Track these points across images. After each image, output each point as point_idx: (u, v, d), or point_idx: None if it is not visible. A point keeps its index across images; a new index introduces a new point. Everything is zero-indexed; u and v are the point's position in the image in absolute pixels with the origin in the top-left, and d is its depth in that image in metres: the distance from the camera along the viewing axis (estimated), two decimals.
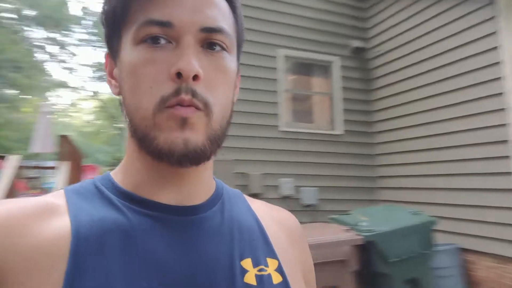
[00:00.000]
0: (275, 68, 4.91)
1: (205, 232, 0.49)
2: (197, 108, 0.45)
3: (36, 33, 19.85)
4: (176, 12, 0.45)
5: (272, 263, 0.51)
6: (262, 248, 0.52)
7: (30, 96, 18.84)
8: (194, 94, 0.44)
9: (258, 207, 0.60)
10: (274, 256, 0.52)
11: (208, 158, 0.48)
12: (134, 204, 0.48)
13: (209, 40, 0.47)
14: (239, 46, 0.54)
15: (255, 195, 4.24)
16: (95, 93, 22.77)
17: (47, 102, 8.69)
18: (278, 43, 4.96)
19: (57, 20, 19.23)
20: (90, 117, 23.59)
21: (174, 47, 0.45)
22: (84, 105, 23.47)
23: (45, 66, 20.77)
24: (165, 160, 0.45)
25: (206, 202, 0.52)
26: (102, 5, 0.51)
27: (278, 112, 4.83)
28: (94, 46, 21.36)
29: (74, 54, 25.49)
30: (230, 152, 4.37)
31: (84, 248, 0.42)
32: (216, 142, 0.47)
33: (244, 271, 0.48)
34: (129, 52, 0.47)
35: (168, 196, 0.49)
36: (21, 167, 4.72)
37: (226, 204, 0.55)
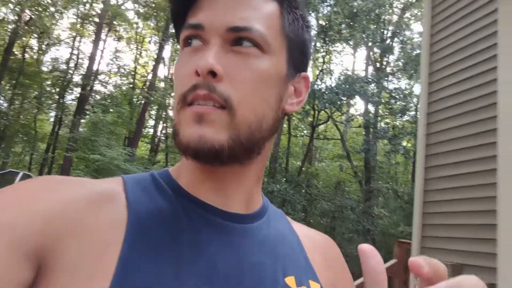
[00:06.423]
0: None
1: (254, 242, 0.49)
2: (217, 104, 0.44)
3: None
4: (207, 15, 0.47)
5: (314, 287, 0.51)
6: (305, 269, 0.52)
7: None
8: (211, 89, 0.44)
9: (299, 228, 0.61)
10: (316, 279, 0.52)
11: (234, 159, 0.47)
12: (190, 203, 0.48)
13: (238, 37, 0.47)
14: (293, 50, 0.51)
15: None
16: None
17: None
18: None
19: None
20: None
21: (204, 48, 0.47)
22: None
23: None
24: (184, 154, 0.46)
25: (255, 212, 0.53)
26: None
27: None
28: None
29: None
30: None
31: (139, 237, 0.42)
32: (242, 143, 0.46)
33: None
34: (179, 55, 0.52)
35: (217, 201, 0.49)
36: None
37: (271, 219, 0.55)
